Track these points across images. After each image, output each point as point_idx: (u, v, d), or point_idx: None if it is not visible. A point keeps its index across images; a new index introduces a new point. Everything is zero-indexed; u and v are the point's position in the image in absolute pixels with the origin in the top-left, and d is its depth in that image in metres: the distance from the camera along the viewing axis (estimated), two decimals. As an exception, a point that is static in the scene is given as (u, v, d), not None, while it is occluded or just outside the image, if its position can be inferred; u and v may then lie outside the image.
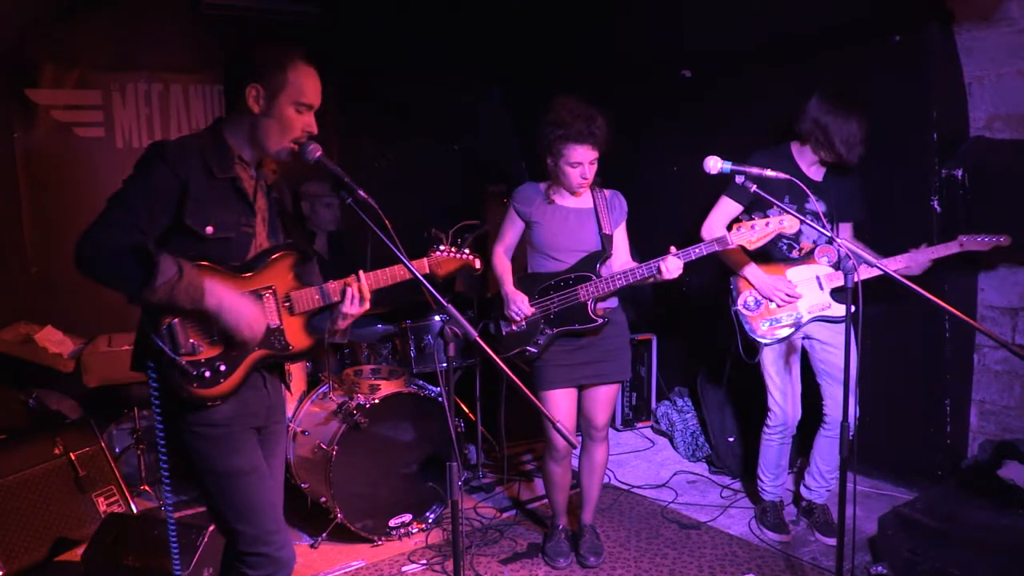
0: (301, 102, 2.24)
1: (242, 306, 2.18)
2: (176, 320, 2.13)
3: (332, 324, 2.43)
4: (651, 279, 3.17)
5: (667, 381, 5.33)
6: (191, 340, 2.16)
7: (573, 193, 3.37)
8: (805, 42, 4.06)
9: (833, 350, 3.65)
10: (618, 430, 5.24)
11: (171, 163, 2.12)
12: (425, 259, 2.58)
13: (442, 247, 2.64)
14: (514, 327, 3.38)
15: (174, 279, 2.03)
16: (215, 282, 2.13)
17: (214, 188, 2.20)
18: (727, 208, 3.63)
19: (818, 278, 3.62)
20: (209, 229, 2.17)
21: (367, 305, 2.40)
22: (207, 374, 2.18)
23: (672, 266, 3.11)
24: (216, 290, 2.12)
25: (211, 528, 3.04)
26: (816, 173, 3.59)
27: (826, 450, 3.73)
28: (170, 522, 2.30)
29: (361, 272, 2.41)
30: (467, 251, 2.67)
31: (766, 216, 3.18)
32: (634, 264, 3.26)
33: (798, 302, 3.60)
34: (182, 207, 2.14)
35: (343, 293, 2.38)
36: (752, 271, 3.63)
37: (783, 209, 2.94)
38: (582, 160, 3.23)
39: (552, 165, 3.32)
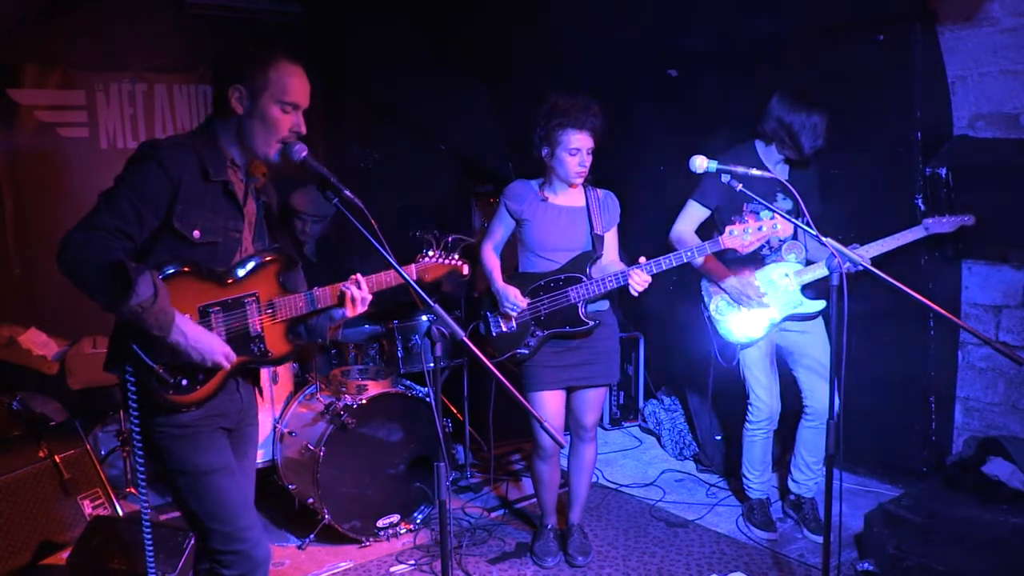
0: (285, 100, 2.22)
1: (209, 345, 2.15)
2: None
3: (331, 324, 2.46)
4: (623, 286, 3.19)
5: (654, 380, 5.35)
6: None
7: (570, 184, 3.36)
8: (790, 42, 4.07)
9: (808, 338, 3.68)
10: (606, 429, 5.24)
11: (165, 164, 2.11)
12: (413, 265, 2.58)
13: (431, 252, 2.63)
14: (504, 327, 3.37)
15: (147, 303, 2.00)
16: (186, 318, 2.11)
17: (206, 191, 2.18)
18: (695, 213, 3.65)
19: (787, 275, 3.64)
20: (196, 233, 2.16)
21: (365, 307, 2.41)
22: (184, 382, 2.18)
23: (639, 279, 3.12)
24: (184, 327, 2.10)
25: (197, 531, 3.03)
26: (782, 172, 3.62)
27: (810, 441, 3.76)
28: (145, 522, 2.29)
29: (360, 276, 2.41)
30: (455, 256, 2.66)
31: (745, 220, 3.20)
32: (617, 268, 3.26)
33: (770, 302, 3.62)
34: (171, 209, 2.12)
35: (341, 297, 2.38)
36: (722, 276, 3.64)
37: (773, 210, 2.95)
38: (581, 147, 3.24)
39: (548, 156, 3.32)
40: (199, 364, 2.17)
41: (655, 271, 3.15)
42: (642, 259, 3.15)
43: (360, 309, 2.40)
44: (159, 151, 2.12)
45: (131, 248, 2.08)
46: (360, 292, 2.39)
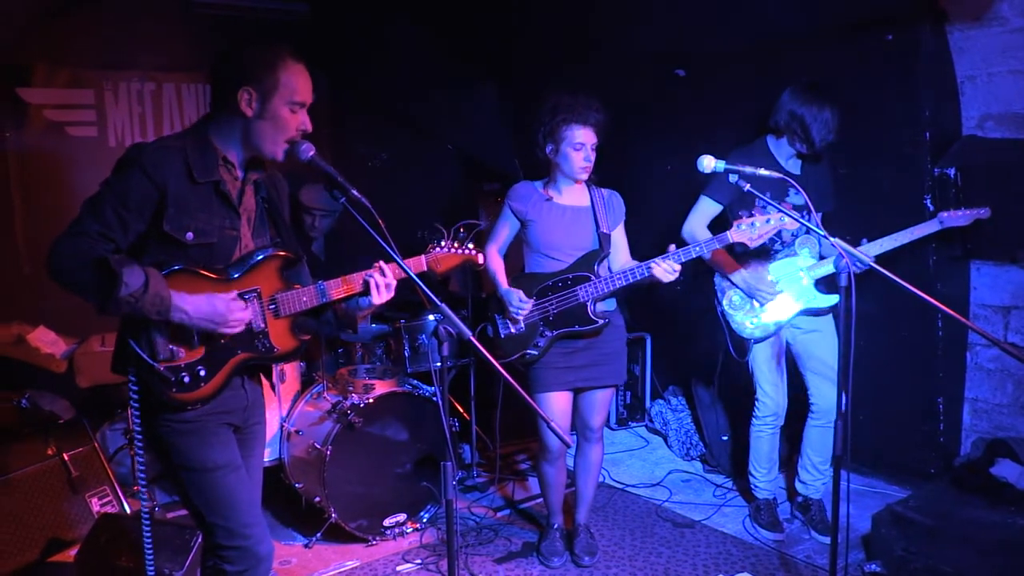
0: (294, 100, 2.23)
1: (212, 309, 2.16)
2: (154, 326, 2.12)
3: (360, 312, 2.47)
4: (647, 280, 3.17)
5: (661, 380, 5.34)
6: (170, 346, 2.16)
7: (575, 180, 3.36)
8: (798, 41, 4.06)
9: (817, 338, 3.67)
10: (612, 429, 5.24)
11: (149, 169, 2.10)
12: (423, 256, 2.57)
13: (443, 243, 2.62)
14: (513, 329, 3.37)
15: (139, 292, 2.02)
16: (182, 294, 2.11)
17: (196, 192, 2.18)
18: (707, 209, 3.65)
19: (801, 270, 3.63)
20: (189, 236, 2.16)
21: (392, 294, 2.41)
22: (186, 379, 2.18)
23: (668, 267, 3.11)
24: (182, 303, 2.11)
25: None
26: (794, 166, 3.63)
27: (817, 441, 3.75)
28: (144, 518, 2.30)
29: (383, 263, 2.41)
30: (471, 246, 2.65)
31: (752, 215, 3.19)
32: (633, 264, 3.26)
33: (783, 296, 3.61)
34: (161, 213, 2.12)
35: (366, 285, 2.39)
36: (735, 271, 3.63)
37: (780, 210, 2.95)
38: (585, 142, 3.25)
39: (553, 153, 3.32)
40: (215, 332, 2.18)
41: (684, 260, 3.14)
42: (672, 247, 3.15)
43: (386, 296, 2.40)
44: (143, 156, 2.12)
45: (115, 251, 2.09)
46: (384, 279, 2.40)
